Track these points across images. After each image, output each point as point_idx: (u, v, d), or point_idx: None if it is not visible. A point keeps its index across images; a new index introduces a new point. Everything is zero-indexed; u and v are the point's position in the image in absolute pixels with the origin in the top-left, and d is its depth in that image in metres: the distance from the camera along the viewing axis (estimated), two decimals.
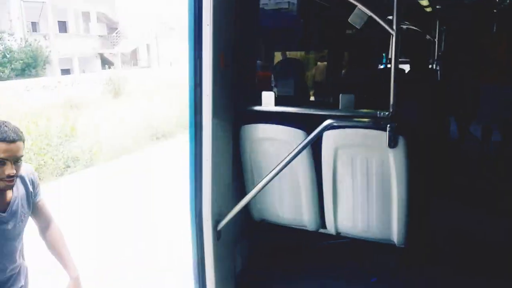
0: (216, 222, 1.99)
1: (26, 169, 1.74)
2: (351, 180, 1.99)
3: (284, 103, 2.18)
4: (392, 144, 1.82)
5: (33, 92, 15.22)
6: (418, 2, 4.74)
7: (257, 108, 2.17)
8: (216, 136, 1.93)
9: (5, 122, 1.55)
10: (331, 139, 2.02)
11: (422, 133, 2.48)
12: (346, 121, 1.93)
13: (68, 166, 6.44)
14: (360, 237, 2.03)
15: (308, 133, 2.03)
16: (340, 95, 2.03)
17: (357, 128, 1.94)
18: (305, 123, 2.10)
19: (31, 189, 1.75)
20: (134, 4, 27.84)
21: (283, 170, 2.02)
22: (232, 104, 2.09)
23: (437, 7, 5.10)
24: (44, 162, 6.15)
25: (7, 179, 1.53)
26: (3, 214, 1.62)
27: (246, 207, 2.05)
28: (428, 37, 5.79)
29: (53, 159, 6.26)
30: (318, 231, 2.13)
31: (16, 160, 1.53)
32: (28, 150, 6.29)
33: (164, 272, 3.30)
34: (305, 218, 2.13)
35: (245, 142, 2.20)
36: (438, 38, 5.58)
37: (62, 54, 22.80)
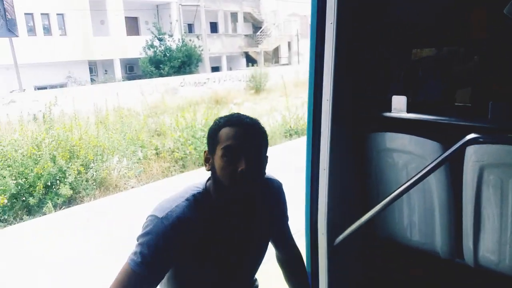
0: (332, 237, 1.85)
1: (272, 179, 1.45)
2: (499, 206, 1.65)
3: (419, 109, 1.93)
4: None
5: (186, 87, 16.91)
6: None
7: (386, 114, 1.96)
8: (336, 145, 1.79)
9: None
10: (475, 155, 1.70)
11: None
12: (495, 136, 1.60)
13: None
14: (506, 274, 1.68)
15: (446, 146, 1.76)
16: (490, 103, 1.70)
17: (510, 145, 1.60)
18: (443, 134, 1.82)
19: (276, 204, 1.42)
20: (278, 3, 28.71)
21: (414, 187, 1.79)
22: (356, 110, 1.92)
23: None
24: (189, 152, 6.74)
25: (239, 177, 1.14)
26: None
27: (368, 222, 1.86)
28: None
29: (196, 150, 6.82)
30: (453, 260, 1.83)
31: (249, 153, 1.16)
32: (175, 141, 6.97)
33: None
34: (438, 243, 1.85)
35: (370, 152, 2.01)
36: None
37: (212, 53, 24.80)
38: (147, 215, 1.20)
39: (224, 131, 1.18)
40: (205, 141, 7.27)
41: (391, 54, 2.16)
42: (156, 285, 1.18)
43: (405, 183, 1.77)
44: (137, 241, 1.17)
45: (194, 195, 1.23)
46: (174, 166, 6.59)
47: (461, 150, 1.69)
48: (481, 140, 1.61)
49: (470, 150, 1.70)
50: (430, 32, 2.58)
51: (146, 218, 1.20)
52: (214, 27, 27.26)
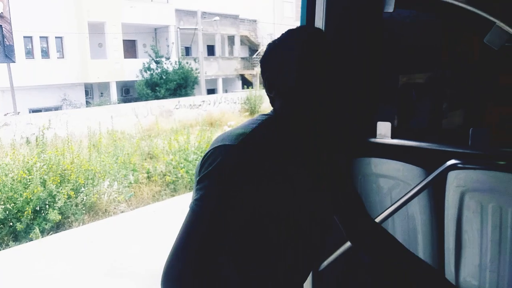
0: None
1: None
2: (479, 231, 1.67)
3: (403, 135, 1.96)
4: None
5: (181, 110, 17.00)
6: None
7: (371, 140, 2.00)
8: None
9: None
10: (457, 180, 1.73)
11: None
12: (475, 161, 1.63)
13: None
14: None
15: (429, 171, 1.78)
16: (471, 129, 1.74)
17: (490, 170, 1.63)
18: (426, 159, 1.85)
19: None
20: (275, 26, 29.22)
21: (398, 211, 1.81)
22: (341, 135, 1.95)
23: None
24: (181, 175, 6.73)
25: (327, 94, 1.01)
26: None
27: (353, 247, 1.87)
28: None
29: (188, 173, 6.81)
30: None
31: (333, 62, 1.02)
32: (167, 164, 6.96)
33: None
34: None
35: (355, 177, 2.03)
36: None
37: (208, 75, 25.04)
38: (208, 149, 0.95)
39: (298, 44, 0.99)
40: (196, 164, 7.32)
41: (378, 79, 2.20)
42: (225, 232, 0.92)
43: (389, 207, 1.80)
44: (200, 182, 0.91)
45: (268, 120, 1.02)
46: (165, 190, 6.57)
47: (443, 176, 1.72)
48: (461, 165, 1.64)
49: (451, 176, 1.73)
50: (418, 58, 2.64)
51: (208, 152, 0.94)
52: (211, 50, 27.59)
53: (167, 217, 5.25)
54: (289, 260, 1.03)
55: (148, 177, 6.62)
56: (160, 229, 4.84)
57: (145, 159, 7.33)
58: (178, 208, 5.54)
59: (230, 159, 0.90)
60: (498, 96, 2.44)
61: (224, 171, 0.90)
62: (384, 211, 1.81)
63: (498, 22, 1.73)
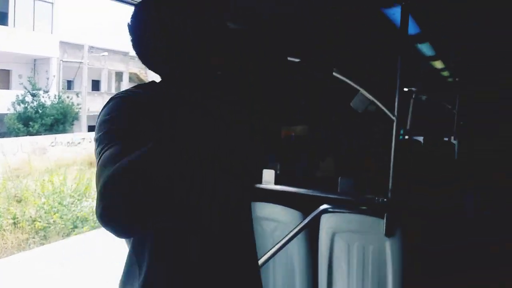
0: None
1: None
2: (347, 268, 1.90)
3: (286, 181, 2.17)
4: (389, 233, 1.75)
5: (57, 147, 15.73)
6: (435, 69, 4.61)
7: (258, 185, 2.17)
8: None
9: None
10: (328, 223, 1.96)
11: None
12: (342, 206, 1.88)
13: (76, 227, 6.33)
14: None
15: (306, 214, 1.99)
16: (339, 178, 2.01)
17: (355, 214, 1.89)
18: (304, 204, 2.06)
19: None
20: None
21: (279, 252, 1.96)
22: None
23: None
24: (53, 221, 6.12)
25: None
26: None
27: None
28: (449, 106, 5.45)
29: (62, 218, 6.23)
30: None
31: None
32: (39, 208, 6.32)
33: None
34: None
35: None
36: (458, 107, 5.22)
37: (92, 111, 23.76)
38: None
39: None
40: (73, 208, 6.61)
41: (263, 129, 2.41)
42: None
43: (271, 249, 1.95)
44: (96, 135, 0.94)
45: (150, 84, 1.07)
46: (33, 238, 5.85)
47: (317, 218, 1.94)
48: (331, 210, 1.88)
49: (324, 218, 1.96)
50: (300, 112, 2.95)
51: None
52: (96, 85, 26.36)
53: (34, 269, 4.72)
54: (202, 218, 0.92)
55: (14, 223, 5.87)
56: (23, 282, 4.33)
57: (12, 202, 6.55)
58: (48, 258, 5.02)
59: (116, 99, 0.94)
60: (363, 149, 2.83)
61: (112, 109, 0.92)
62: (267, 252, 1.96)
63: (361, 90, 2.08)
